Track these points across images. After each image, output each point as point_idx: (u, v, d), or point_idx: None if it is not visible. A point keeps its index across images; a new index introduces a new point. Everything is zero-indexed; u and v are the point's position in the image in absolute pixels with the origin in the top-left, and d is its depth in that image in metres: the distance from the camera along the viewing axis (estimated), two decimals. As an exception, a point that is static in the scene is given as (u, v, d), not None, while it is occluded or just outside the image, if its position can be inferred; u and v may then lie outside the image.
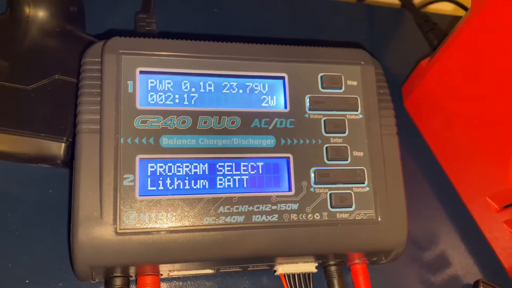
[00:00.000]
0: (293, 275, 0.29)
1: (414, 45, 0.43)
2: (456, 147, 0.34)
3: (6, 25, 0.31)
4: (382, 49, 0.43)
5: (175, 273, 0.27)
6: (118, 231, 0.23)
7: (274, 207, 0.26)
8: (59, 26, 0.32)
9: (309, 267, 0.28)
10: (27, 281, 0.27)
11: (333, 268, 0.29)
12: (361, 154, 0.28)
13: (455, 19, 0.46)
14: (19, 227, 0.29)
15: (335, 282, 0.29)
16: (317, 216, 0.26)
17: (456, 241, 0.35)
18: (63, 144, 0.28)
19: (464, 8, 0.51)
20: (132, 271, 0.25)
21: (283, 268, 0.28)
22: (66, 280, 0.28)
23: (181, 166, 0.25)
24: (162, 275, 0.27)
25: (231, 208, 0.25)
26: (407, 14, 0.45)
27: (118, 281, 0.25)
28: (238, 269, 0.28)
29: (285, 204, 0.26)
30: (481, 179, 0.32)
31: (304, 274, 0.29)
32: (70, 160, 0.29)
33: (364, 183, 0.27)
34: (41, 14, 0.31)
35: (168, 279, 0.29)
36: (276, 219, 0.26)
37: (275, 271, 0.29)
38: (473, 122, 0.32)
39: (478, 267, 0.34)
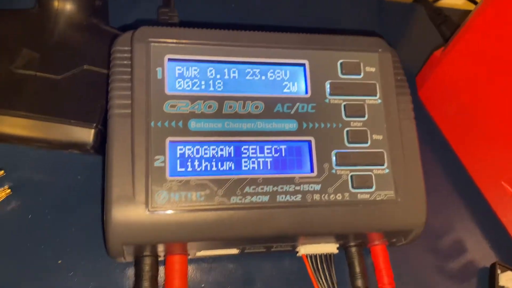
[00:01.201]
0: (315, 256, 0.30)
1: (426, 37, 0.44)
2: (470, 133, 0.35)
3: (36, 19, 0.32)
4: (395, 42, 0.44)
5: (201, 253, 0.28)
6: (150, 209, 0.24)
7: (297, 188, 0.27)
8: (86, 19, 0.33)
9: (331, 248, 0.29)
10: (59, 261, 0.28)
11: (353, 249, 0.30)
12: (380, 137, 0.29)
13: (466, 13, 0.47)
14: (50, 211, 0.30)
15: (356, 262, 0.29)
16: (339, 196, 0.27)
17: (472, 226, 0.35)
18: (93, 130, 0.29)
19: (474, 2, 0.52)
20: (161, 250, 0.26)
21: (305, 249, 0.29)
22: (96, 261, 0.29)
23: (208, 148, 0.26)
24: (189, 255, 0.28)
25: (257, 188, 0.26)
26: (418, 8, 0.46)
27: (147, 260, 0.26)
28: (262, 250, 0.29)
29: (308, 185, 0.27)
30: (496, 164, 0.33)
31: (325, 255, 0.30)
32: (99, 146, 0.30)
33: (383, 165, 0.28)
34: (68, 7, 0.32)
35: (194, 260, 0.30)
36: (300, 199, 0.27)
37: (297, 252, 0.30)
38: (486, 107, 0.33)
39: (494, 250, 0.34)
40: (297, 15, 0.43)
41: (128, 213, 0.24)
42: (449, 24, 0.40)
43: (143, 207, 0.24)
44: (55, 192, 0.30)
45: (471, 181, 0.36)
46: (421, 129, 0.34)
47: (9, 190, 0.29)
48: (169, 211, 0.25)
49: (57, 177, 0.31)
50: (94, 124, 0.29)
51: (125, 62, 0.27)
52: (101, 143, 0.30)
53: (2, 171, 0.30)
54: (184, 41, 0.27)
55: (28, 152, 0.31)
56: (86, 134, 0.29)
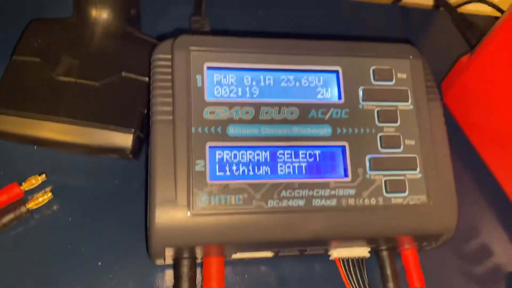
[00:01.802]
0: (347, 259, 0.30)
1: (450, 44, 0.44)
2: (495, 137, 0.36)
3: (74, 27, 0.33)
4: (419, 48, 0.44)
5: (237, 255, 0.29)
6: (192, 212, 0.25)
7: (332, 192, 0.27)
8: (122, 28, 0.34)
9: (363, 251, 0.30)
10: (99, 263, 0.29)
11: (385, 253, 0.30)
12: (413, 142, 0.29)
13: (489, 19, 0.48)
14: (89, 214, 0.31)
15: (387, 265, 0.30)
16: (373, 201, 0.28)
17: (499, 230, 0.36)
18: (132, 135, 0.30)
19: (499, 9, 0.52)
20: (199, 252, 0.27)
21: (338, 253, 0.30)
22: (136, 262, 0.30)
23: (245, 153, 0.27)
24: (226, 256, 0.28)
25: (293, 193, 0.27)
26: (441, 15, 0.47)
27: (186, 262, 0.27)
28: (296, 253, 0.30)
29: (343, 190, 0.27)
30: (524, 169, 0.34)
31: (357, 259, 0.30)
32: (137, 151, 0.31)
33: (416, 170, 0.29)
34: (105, 16, 0.33)
35: (230, 262, 0.30)
36: (335, 204, 0.27)
37: (329, 256, 0.30)
38: (514, 113, 0.33)
39: (521, 255, 0.35)
40: (324, 22, 0.43)
41: (171, 216, 0.25)
42: (474, 30, 0.41)
43: (185, 210, 0.25)
44: (94, 196, 0.31)
45: (497, 186, 0.37)
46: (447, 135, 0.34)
47: (51, 193, 0.30)
48: (210, 214, 0.25)
49: (95, 181, 0.32)
50: (133, 130, 0.30)
51: (166, 69, 0.27)
52: (139, 148, 0.31)
53: (44, 175, 0.30)
54: (221, 49, 0.28)
55: (68, 157, 0.32)
56: (125, 139, 0.30)
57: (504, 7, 0.52)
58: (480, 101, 0.36)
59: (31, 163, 0.31)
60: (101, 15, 0.33)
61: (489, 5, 0.52)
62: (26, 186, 0.30)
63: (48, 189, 0.30)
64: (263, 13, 0.42)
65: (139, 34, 0.35)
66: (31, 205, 0.30)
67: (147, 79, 0.32)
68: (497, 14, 0.51)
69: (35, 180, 0.30)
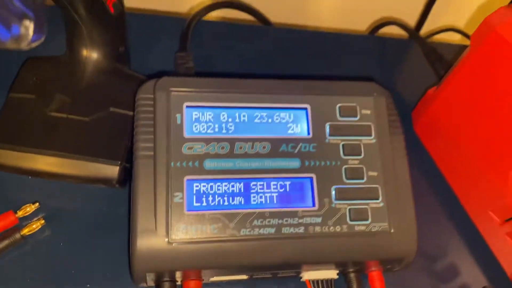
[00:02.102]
0: (317, 281, 0.32)
1: (422, 73, 0.47)
2: (461, 165, 0.38)
3: (67, 65, 0.36)
4: (393, 78, 0.47)
5: (214, 279, 0.31)
6: (170, 241, 0.28)
7: (300, 221, 0.30)
8: (111, 65, 0.37)
9: (331, 273, 0.32)
10: (88, 285, 0.32)
11: (352, 275, 0.33)
12: (375, 174, 0.32)
13: (462, 48, 0.51)
14: (79, 238, 0.33)
15: (354, 287, 0.32)
16: (338, 228, 0.30)
17: (464, 252, 0.38)
18: (118, 167, 0.33)
19: (469, 37, 0.55)
20: (178, 276, 0.30)
21: (308, 275, 0.32)
22: (122, 285, 0.32)
23: (221, 185, 0.30)
24: (203, 280, 0.31)
25: (264, 221, 0.29)
26: (416, 45, 0.50)
27: (167, 285, 0.30)
28: (269, 275, 0.32)
29: (310, 218, 0.30)
30: (484, 195, 0.36)
31: (327, 280, 0.33)
32: (123, 180, 0.34)
33: (378, 199, 0.31)
34: (95, 55, 0.36)
35: (209, 284, 0.33)
36: (303, 231, 0.30)
37: (301, 278, 0.33)
38: (475, 143, 0.36)
39: (484, 275, 0.37)
40: (297, 54, 0.46)
41: (151, 244, 0.28)
42: (443, 62, 0.44)
43: (164, 239, 0.28)
44: (84, 222, 0.34)
45: (463, 211, 0.39)
46: (416, 161, 0.37)
47: (43, 220, 0.33)
48: (187, 242, 0.28)
49: (85, 208, 0.34)
50: (119, 162, 0.33)
51: (148, 108, 0.30)
52: (125, 178, 0.34)
53: (37, 203, 0.33)
54: (200, 89, 0.31)
55: (59, 185, 0.34)
56: (112, 171, 0.33)
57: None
58: (446, 131, 0.39)
59: (25, 192, 0.34)
60: (92, 54, 0.36)
61: (462, 35, 0.55)
62: (21, 213, 0.33)
63: (41, 216, 0.33)
64: (245, 47, 0.45)
65: (127, 70, 0.38)
66: (25, 231, 0.32)
67: (133, 113, 0.35)
68: (467, 42, 0.54)
69: (29, 208, 0.33)
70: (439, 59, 0.44)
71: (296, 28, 0.55)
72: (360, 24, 0.58)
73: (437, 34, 0.55)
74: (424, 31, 0.57)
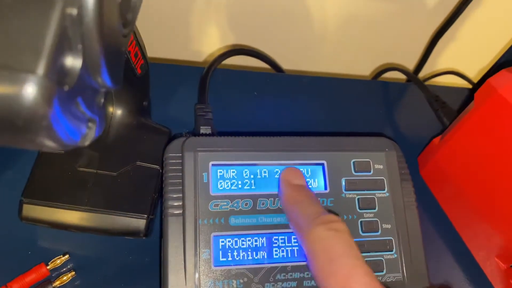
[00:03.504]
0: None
1: (428, 116, 0.49)
2: (466, 212, 0.40)
3: (94, 121, 0.38)
4: (398, 121, 0.50)
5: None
6: (199, 296, 0.30)
7: (320, 273, 0.32)
8: (136, 119, 0.39)
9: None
10: (116, 335, 0.33)
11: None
12: (389, 226, 0.34)
13: (463, 91, 0.53)
14: (109, 285, 0.35)
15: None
16: (355, 279, 0.32)
17: (472, 295, 0.40)
18: (145, 220, 0.35)
19: (470, 81, 0.58)
20: (205, 328, 0.31)
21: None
22: (148, 334, 0.34)
23: (245, 240, 0.32)
24: (228, 330, 0.32)
25: (286, 275, 0.31)
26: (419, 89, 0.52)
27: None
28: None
29: (329, 270, 0.32)
30: (489, 241, 0.38)
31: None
32: (150, 232, 0.35)
33: (392, 251, 0.33)
34: (121, 111, 0.38)
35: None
36: (322, 283, 0.31)
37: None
38: (480, 191, 0.38)
39: (492, 318, 0.39)
40: (311, 98, 0.49)
41: (182, 299, 0.29)
42: (446, 110, 0.46)
43: (193, 294, 0.29)
44: (111, 271, 0.35)
45: (470, 256, 0.41)
46: (423, 204, 0.39)
47: (73, 272, 0.34)
48: (215, 297, 0.30)
49: (112, 258, 0.36)
50: (146, 216, 0.35)
51: (177, 167, 0.32)
52: (149, 228, 0.36)
53: (68, 255, 0.35)
54: (224, 149, 0.33)
55: (88, 237, 0.36)
56: (140, 224, 0.35)
57: (476, 80, 0.58)
58: (451, 179, 0.41)
59: (56, 244, 0.36)
60: (117, 110, 0.38)
61: (462, 78, 0.58)
62: (51, 265, 0.34)
63: (70, 266, 0.34)
64: (258, 95, 0.47)
65: (150, 122, 0.40)
66: (57, 283, 0.34)
67: (158, 167, 0.37)
68: (469, 86, 0.57)
69: (60, 260, 0.34)
70: (443, 107, 0.46)
71: (305, 74, 0.58)
72: (364, 69, 0.61)
73: (439, 76, 0.58)
74: (424, 73, 0.60)
